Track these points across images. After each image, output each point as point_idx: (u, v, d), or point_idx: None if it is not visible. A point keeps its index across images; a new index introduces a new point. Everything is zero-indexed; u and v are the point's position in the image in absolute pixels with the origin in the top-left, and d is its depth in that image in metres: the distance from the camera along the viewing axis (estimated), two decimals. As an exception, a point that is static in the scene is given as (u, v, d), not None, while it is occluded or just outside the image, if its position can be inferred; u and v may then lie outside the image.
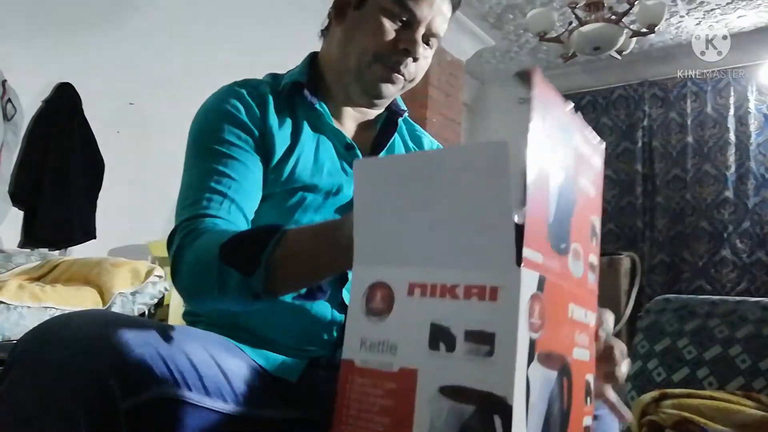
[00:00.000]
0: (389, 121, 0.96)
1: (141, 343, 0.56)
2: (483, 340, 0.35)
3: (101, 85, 2.91)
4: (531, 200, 0.36)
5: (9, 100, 2.61)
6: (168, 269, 2.26)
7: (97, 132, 2.87)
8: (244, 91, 0.85)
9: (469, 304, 0.36)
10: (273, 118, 0.85)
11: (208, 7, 3.37)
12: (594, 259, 0.48)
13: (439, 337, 0.37)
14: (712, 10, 4.14)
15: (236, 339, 0.75)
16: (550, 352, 0.39)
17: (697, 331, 1.58)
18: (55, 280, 2.32)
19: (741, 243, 4.46)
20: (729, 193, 4.52)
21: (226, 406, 0.65)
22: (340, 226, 0.56)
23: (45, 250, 2.68)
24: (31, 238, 2.66)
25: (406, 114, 0.98)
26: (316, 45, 0.97)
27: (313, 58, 0.95)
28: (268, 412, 0.71)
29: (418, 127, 1.03)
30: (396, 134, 0.95)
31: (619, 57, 3.34)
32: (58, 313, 1.84)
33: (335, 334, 0.80)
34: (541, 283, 0.37)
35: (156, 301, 2.44)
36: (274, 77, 0.92)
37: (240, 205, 0.78)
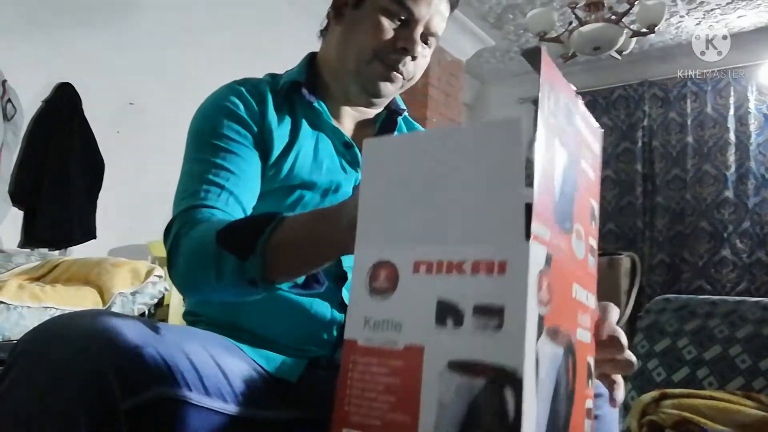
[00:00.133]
0: (388, 120, 0.96)
1: (141, 343, 0.56)
2: (492, 314, 0.35)
3: (101, 85, 2.91)
4: (539, 176, 0.36)
5: (9, 100, 2.61)
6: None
7: (97, 132, 2.87)
8: (243, 89, 0.86)
9: (477, 279, 0.36)
10: (272, 115, 0.85)
11: (208, 7, 3.37)
12: (593, 242, 0.48)
13: (446, 313, 0.37)
14: (712, 10, 4.14)
15: (236, 339, 0.76)
16: (557, 328, 0.38)
17: (697, 331, 1.58)
18: (55, 280, 2.32)
19: (741, 243, 4.46)
20: (729, 193, 4.52)
21: (226, 406, 0.65)
22: (337, 211, 0.56)
23: (45, 250, 2.68)
24: (31, 238, 2.66)
25: (405, 113, 0.98)
26: (316, 46, 0.97)
27: (311, 58, 0.95)
28: (268, 412, 0.71)
29: (418, 125, 1.03)
30: (396, 132, 0.95)
31: (619, 57, 3.34)
32: (58, 313, 1.84)
33: (335, 333, 0.80)
34: (548, 260, 0.37)
35: (156, 301, 2.44)
36: (273, 77, 0.92)
37: (238, 198, 0.78)
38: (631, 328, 3.65)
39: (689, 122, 4.74)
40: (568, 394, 0.41)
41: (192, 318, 0.86)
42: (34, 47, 2.74)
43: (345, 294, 0.81)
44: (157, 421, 0.57)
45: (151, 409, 0.56)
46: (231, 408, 0.65)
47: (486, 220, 0.37)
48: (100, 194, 2.86)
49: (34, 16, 2.77)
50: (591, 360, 0.47)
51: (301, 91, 0.88)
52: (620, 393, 0.57)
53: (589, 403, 0.46)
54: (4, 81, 2.60)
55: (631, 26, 3.25)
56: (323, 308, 0.80)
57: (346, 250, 0.43)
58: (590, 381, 0.47)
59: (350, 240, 0.43)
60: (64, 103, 2.79)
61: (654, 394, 1.37)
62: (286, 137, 0.85)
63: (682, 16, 4.25)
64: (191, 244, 0.69)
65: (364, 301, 0.40)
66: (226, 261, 0.63)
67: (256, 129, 0.83)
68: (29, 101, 2.73)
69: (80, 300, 2.14)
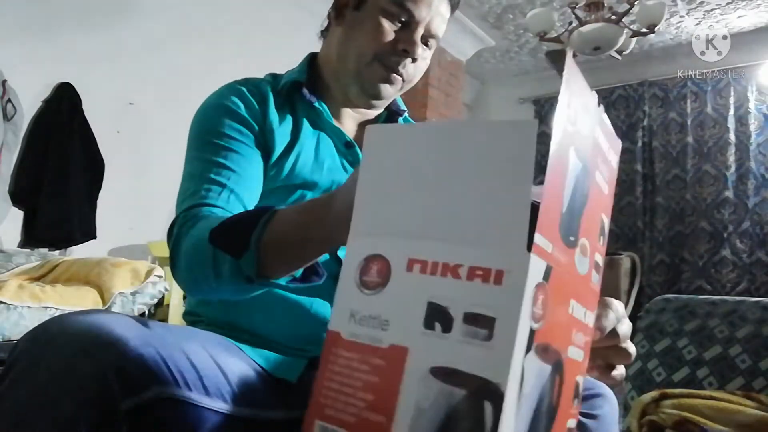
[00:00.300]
0: (389, 120, 0.96)
1: (141, 343, 0.56)
2: (482, 324, 0.34)
3: (101, 85, 2.91)
4: (548, 186, 0.35)
5: (9, 100, 2.61)
6: (168, 269, 2.26)
7: (97, 132, 2.87)
8: (244, 89, 0.86)
9: (472, 286, 0.35)
10: (273, 115, 0.85)
11: (208, 7, 3.37)
12: (599, 258, 0.47)
13: (436, 316, 0.36)
14: (712, 10, 4.14)
15: (236, 339, 0.75)
16: (547, 344, 0.38)
17: (697, 331, 1.58)
18: (55, 280, 2.32)
19: (741, 243, 4.46)
20: (729, 193, 4.52)
21: (226, 406, 0.65)
22: (329, 201, 0.55)
23: (45, 250, 2.68)
24: (31, 238, 2.66)
25: (406, 113, 0.98)
26: (316, 46, 0.97)
27: (312, 58, 0.95)
28: (268, 412, 0.71)
29: None
30: None
31: (619, 57, 3.34)
32: (58, 313, 1.84)
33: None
34: (547, 273, 0.36)
35: (156, 301, 2.44)
36: (274, 77, 0.92)
37: (239, 196, 0.77)
38: (631, 328, 3.65)
39: (689, 122, 4.74)
40: (550, 411, 0.40)
41: (192, 318, 0.86)
42: (34, 47, 2.74)
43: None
44: (157, 421, 0.57)
45: (151, 409, 0.56)
46: (231, 408, 0.65)
47: (488, 223, 0.36)
48: (100, 194, 2.86)
49: (34, 17, 2.77)
50: (580, 379, 0.47)
51: (302, 91, 0.88)
52: (619, 374, 0.56)
53: (571, 423, 0.46)
54: (4, 81, 2.60)
55: (631, 26, 3.25)
56: (323, 308, 0.80)
57: (337, 241, 0.42)
58: (576, 400, 0.46)
59: (340, 231, 0.42)
60: (64, 103, 2.79)
61: (654, 394, 1.37)
62: (287, 137, 0.85)
63: (682, 16, 4.25)
64: (190, 244, 0.69)
65: (352, 293, 0.39)
66: (223, 260, 0.63)
67: (257, 128, 0.83)
68: (29, 101, 2.73)
69: (80, 300, 2.14)
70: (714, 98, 4.67)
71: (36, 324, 0.57)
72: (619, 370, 0.55)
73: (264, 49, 3.20)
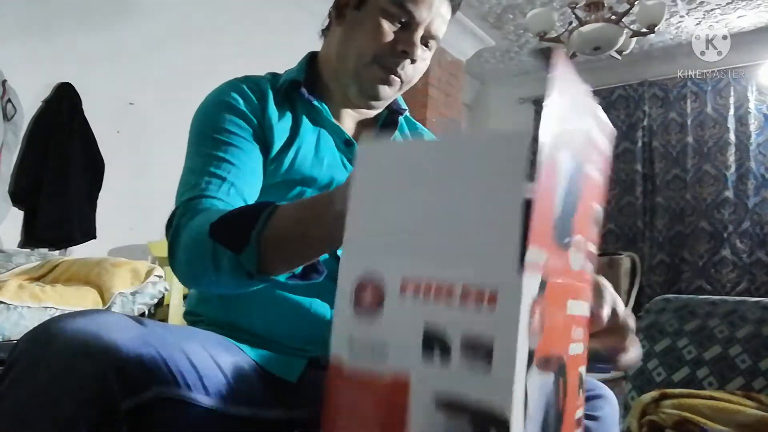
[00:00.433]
0: (390, 119, 0.96)
1: (141, 343, 0.56)
2: (480, 350, 0.34)
3: (101, 85, 2.91)
4: (540, 194, 0.34)
5: (9, 100, 2.61)
6: (168, 269, 2.26)
7: (97, 132, 2.87)
8: (244, 86, 0.86)
9: (466, 309, 0.35)
10: (272, 111, 0.85)
11: (208, 7, 3.37)
12: (593, 246, 0.47)
13: (434, 342, 0.36)
14: (712, 10, 4.14)
15: (236, 339, 0.76)
16: (548, 356, 0.38)
17: (697, 331, 1.58)
18: (55, 280, 2.32)
19: (741, 243, 4.46)
20: (729, 193, 4.52)
21: (226, 406, 0.65)
22: (329, 199, 0.55)
23: (45, 250, 2.68)
24: (31, 238, 2.66)
25: (407, 112, 0.98)
26: (316, 47, 0.97)
27: (312, 57, 0.95)
28: (268, 412, 0.71)
29: (419, 125, 1.03)
30: (397, 132, 0.96)
31: (619, 57, 3.34)
32: (58, 313, 1.84)
33: (335, 333, 0.80)
34: (542, 286, 0.36)
35: (156, 301, 2.44)
36: (274, 75, 0.92)
37: (240, 189, 0.77)
38: (631, 328, 3.64)
39: (689, 122, 4.74)
40: (557, 416, 0.40)
41: (192, 318, 0.86)
42: (34, 47, 2.74)
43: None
44: (157, 421, 0.57)
45: (151, 409, 0.56)
46: (231, 408, 0.65)
47: (480, 239, 0.35)
48: (100, 194, 2.86)
49: (34, 17, 2.77)
50: (582, 370, 0.47)
51: (301, 90, 0.89)
52: (633, 353, 0.55)
53: (579, 413, 0.46)
54: (4, 81, 2.60)
55: (631, 26, 3.25)
56: (323, 308, 0.80)
57: (337, 240, 0.42)
58: (580, 391, 0.46)
59: (340, 231, 0.42)
60: (64, 103, 2.79)
61: (654, 394, 1.37)
62: (286, 132, 0.85)
63: (682, 16, 4.25)
64: (190, 236, 0.69)
65: (348, 319, 0.39)
66: (222, 254, 0.63)
67: (255, 122, 0.83)
68: (29, 101, 2.73)
69: (80, 300, 2.14)
70: (714, 98, 4.67)
71: (36, 324, 0.57)
72: (633, 353, 0.54)
73: (264, 49, 3.20)
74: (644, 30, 3.12)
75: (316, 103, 0.88)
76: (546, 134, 0.35)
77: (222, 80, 0.89)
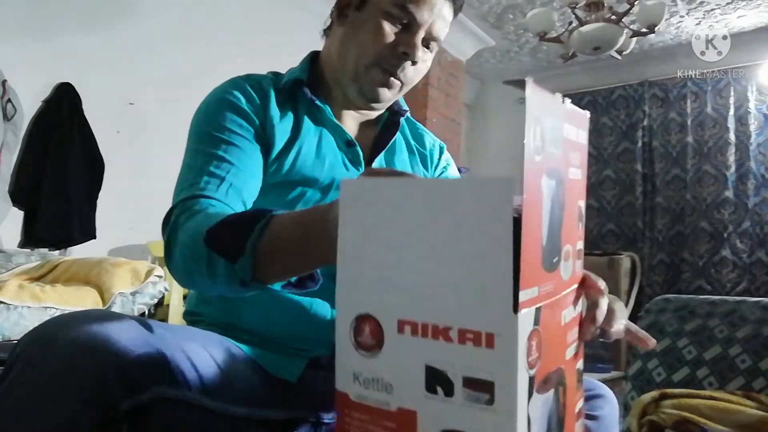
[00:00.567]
0: (390, 120, 0.96)
1: (141, 343, 0.56)
2: (482, 388, 0.35)
3: (101, 85, 2.91)
4: (526, 229, 0.35)
5: (9, 100, 2.61)
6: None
7: (97, 132, 2.87)
8: (246, 84, 0.86)
9: (465, 349, 0.35)
10: (274, 110, 0.85)
11: (208, 7, 3.37)
12: (580, 244, 0.47)
13: (436, 380, 0.36)
14: (712, 10, 4.14)
15: (236, 339, 0.75)
16: (547, 376, 0.38)
17: (697, 331, 1.58)
18: (55, 280, 2.32)
19: (741, 243, 4.45)
20: (729, 193, 4.52)
21: (226, 406, 0.65)
22: (327, 213, 0.54)
23: (45, 250, 2.68)
24: (31, 238, 2.66)
25: (408, 113, 0.98)
26: (317, 47, 0.97)
27: (314, 56, 0.95)
28: (268, 412, 0.71)
29: (420, 125, 1.03)
30: (398, 133, 0.95)
31: (619, 57, 3.34)
32: (58, 313, 1.84)
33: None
34: (537, 318, 0.36)
35: (156, 301, 2.43)
36: (276, 75, 0.92)
37: (238, 190, 0.77)
38: (631, 328, 3.64)
39: (689, 122, 4.73)
40: (559, 422, 0.41)
41: (192, 318, 0.86)
42: (34, 47, 2.74)
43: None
44: (157, 421, 0.57)
45: (151, 409, 0.56)
46: (231, 408, 0.65)
47: (472, 283, 0.36)
48: (100, 194, 2.86)
49: (34, 17, 2.77)
50: (579, 364, 0.47)
51: (303, 89, 0.88)
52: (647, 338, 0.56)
53: (579, 405, 0.46)
54: (4, 81, 2.60)
55: (631, 26, 3.25)
56: (323, 308, 0.80)
57: (332, 258, 0.42)
58: (579, 385, 0.47)
59: (334, 248, 0.42)
60: (64, 103, 2.79)
61: (654, 394, 1.37)
62: (287, 132, 0.85)
63: (682, 16, 4.24)
64: (186, 237, 0.68)
65: (350, 354, 0.40)
66: (218, 261, 0.62)
67: (257, 122, 0.83)
68: (29, 101, 2.73)
69: (80, 300, 2.14)
70: (714, 98, 4.67)
71: (36, 324, 0.57)
72: (617, 326, 0.54)
73: (264, 49, 3.20)
74: (644, 30, 3.11)
75: (318, 102, 0.88)
76: (527, 168, 0.35)
77: (222, 80, 0.89)
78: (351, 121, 0.93)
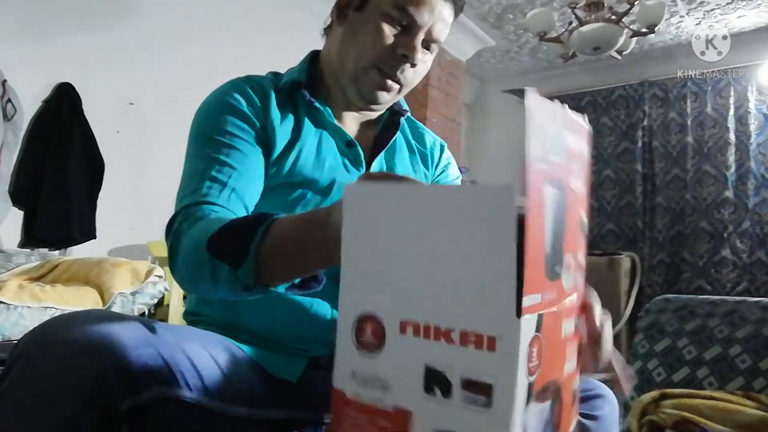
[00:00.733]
0: (391, 120, 0.96)
1: (141, 343, 0.56)
2: (480, 390, 0.35)
3: (101, 85, 2.91)
4: (530, 238, 0.35)
5: (9, 100, 2.61)
6: (168, 269, 2.25)
7: (97, 132, 2.87)
8: (246, 86, 0.85)
9: (466, 351, 0.36)
10: (275, 113, 0.85)
11: (208, 7, 3.37)
12: (581, 255, 0.47)
13: (435, 381, 0.36)
14: (712, 10, 4.14)
15: (236, 339, 0.75)
16: (545, 387, 0.38)
17: (697, 331, 1.58)
18: (55, 280, 2.32)
19: (741, 243, 4.45)
20: (729, 193, 4.51)
21: (226, 406, 0.65)
22: (328, 216, 0.54)
23: (45, 250, 2.68)
24: (31, 238, 2.66)
25: (408, 113, 0.98)
26: (317, 46, 0.97)
27: (314, 56, 0.95)
28: (268, 411, 0.71)
29: (420, 124, 1.03)
30: (399, 132, 0.95)
31: (619, 57, 3.34)
32: (58, 313, 1.84)
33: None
34: (539, 324, 0.37)
35: (156, 301, 2.43)
36: (276, 75, 0.92)
37: (240, 194, 0.77)
38: (631, 328, 3.65)
39: (689, 122, 4.73)
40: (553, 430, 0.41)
41: (192, 318, 0.86)
42: (34, 47, 2.73)
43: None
44: (157, 421, 0.57)
45: (151, 409, 0.56)
46: (231, 408, 0.66)
47: (475, 287, 0.36)
48: (100, 194, 2.85)
49: (34, 17, 2.77)
50: (575, 385, 0.47)
51: (302, 91, 0.88)
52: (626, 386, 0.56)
53: (573, 423, 0.46)
54: (4, 81, 2.60)
55: (631, 26, 3.25)
56: (323, 308, 0.80)
57: (336, 261, 0.42)
58: (575, 402, 0.46)
59: (336, 250, 0.42)
60: (64, 103, 2.79)
61: (654, 394, 1.37)
62: (288, 134, 0.85)
63: (682, 16, 4.24)
64: (189, 244, 0.69)
65: (351, 353, 0.40)
66: (221, 267, 0.63)
67: (258, 125, 0.83)
68: (29, 101, 2.73)
69: (80, 300, 2.14)
70: (714, 98, 4.67)
71: (36, 324, 0.57)
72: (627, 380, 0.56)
73: (264, 49, 3.20)
74: (644, 30, 3.11)
75: (317, 104, 0.88)
76: (529, 177, 0.35)
77: (222, 80, 0.89)
78: (351, 121, 0.93)
